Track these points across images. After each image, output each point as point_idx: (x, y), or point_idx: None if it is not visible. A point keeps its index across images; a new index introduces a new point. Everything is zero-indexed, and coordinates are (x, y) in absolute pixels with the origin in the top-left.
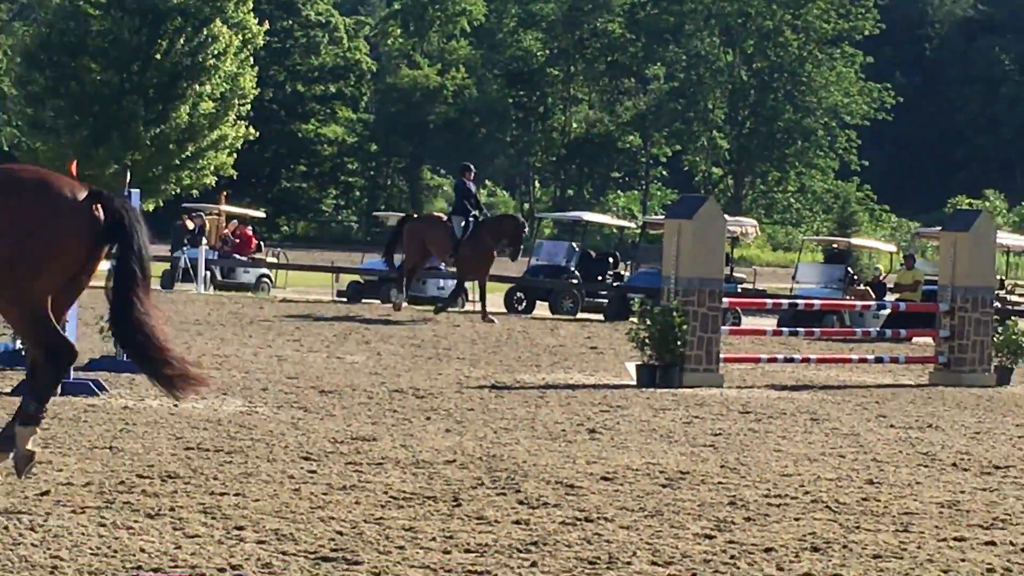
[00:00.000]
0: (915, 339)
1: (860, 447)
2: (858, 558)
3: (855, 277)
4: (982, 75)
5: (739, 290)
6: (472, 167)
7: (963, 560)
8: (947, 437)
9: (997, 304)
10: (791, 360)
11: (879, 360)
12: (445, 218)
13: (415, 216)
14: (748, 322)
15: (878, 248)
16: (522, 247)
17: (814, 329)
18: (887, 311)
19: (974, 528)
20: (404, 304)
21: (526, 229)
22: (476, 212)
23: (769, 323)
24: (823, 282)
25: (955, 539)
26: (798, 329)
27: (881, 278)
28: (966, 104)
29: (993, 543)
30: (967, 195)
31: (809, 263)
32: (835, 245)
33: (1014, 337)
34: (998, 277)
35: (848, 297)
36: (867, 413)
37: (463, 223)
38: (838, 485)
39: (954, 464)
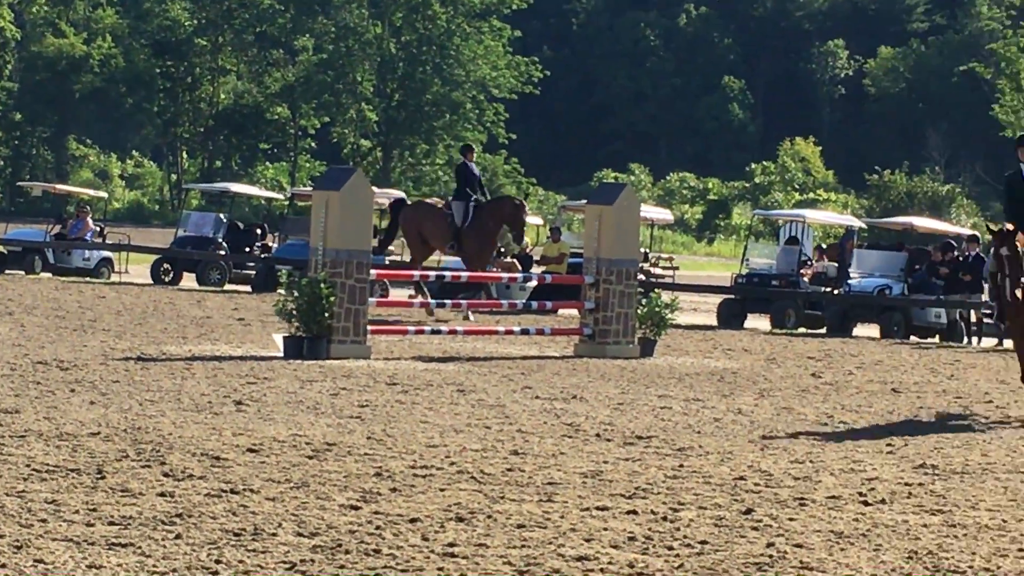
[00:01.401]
0: (560, 311)
1: (506, 418)
2: (502, 528)
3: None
4: (628, 50)
5: (387, 262)
6: (474, 147)
7: (606, 529)
8: (591, 408)
9: (641, 277)
10: (438, 332)
11: (525, 332)
12: (442, 204)
13: (408, 203)
14: (396, 294)
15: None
16: (524, 229)
17: (461, 301)
18: (533, 283)
19: (616, 497)
20: (433, 307)
21: (527, 210)
22: (478, 196)
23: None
24: None
25: (598, 508)
26: (445, 301)
27: (527, 250)
28: (612, 79)
29: (635, 512)
30: (613, 169)
31: None
32: None
33: (657, 309)
34: (642, 250)
35: (495, 269)
36: (513, 384)
37: (463, 209)
38: (483, 456)
39: (598, 435)
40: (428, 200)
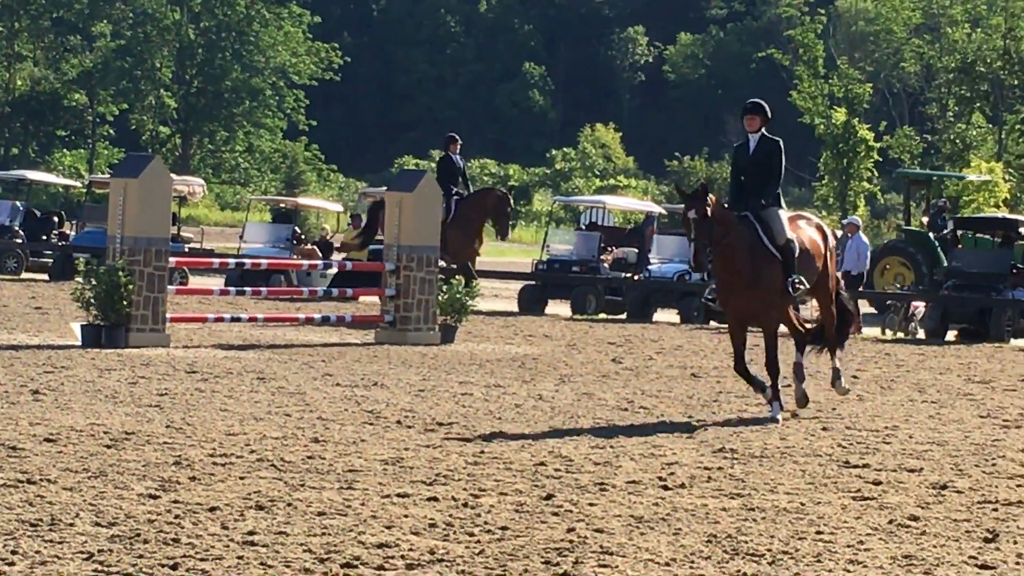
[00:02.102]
0: (362, 298)
1: (306, 406)
2: (303, 516)
3: (302, 236)
4: (429, 37)
5: (186, 249)
6: (458, 138)
7: (406, 516)
8: (392, 395)
9: (441, 263)
10: (238, 319)
11: (326, 319)
12: None
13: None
14: (195, 282)
15: (326, 208)
16: (509, 223)
17: (261, 288)
18: (334, 270)
19: (417, 484)
20: None
21: (511, 203)
22: (460, 190)
23: (217, 282)
24: (271, 242)
25: (398, 495)
26: (245, 289)
27: (328, 237)
28: (413, 65)
29: (436, 498)
30: (414, 155)
31: (257, 223)
32: (283, 205)
33: (458, 296)
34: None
35: (295, 256)
36: (313, 372)
37: (445, 203)
38: (284, 443)
39: (398, 422)
40: None
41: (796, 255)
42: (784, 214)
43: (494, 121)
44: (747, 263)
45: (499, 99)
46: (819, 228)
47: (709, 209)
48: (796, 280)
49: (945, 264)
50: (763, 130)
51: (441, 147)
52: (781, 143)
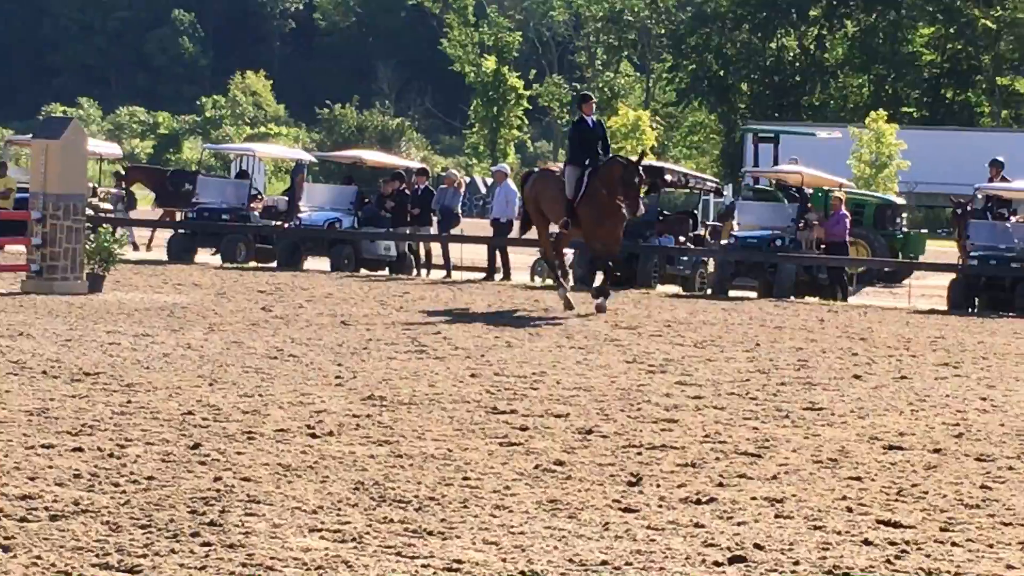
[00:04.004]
0: (7, 247)
1: None
2: None
3: None
4: None
5: None
6: (592, 96)
7: (51, 467)
8: (38, 345)
9: (89, 212)
10: None
11: None
12: (559, 170)
13: (528, 173)
14: None
15: None
16: (640, 196)
17: None
18: None
19: (62, 435)
20: (568, 292)
21: (639, 172)
22: (598, 159)
23: None
24: None
25: (43, 446)
26: None
27: None
28: (60, 11)
29: (81, 449)
30: (61, 103)
31: None
32: None
33: (106, 244)
34: (91, 185)
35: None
36: None
37: (576, 177)
38: None
39: (44, 372)
40: (551, 167)
41: None
42: None
43: (143, 68)
44: None
45: (148, 46)
46: None
47: None
48: None
49: None
50: None
51: (91, 94)
52: None
